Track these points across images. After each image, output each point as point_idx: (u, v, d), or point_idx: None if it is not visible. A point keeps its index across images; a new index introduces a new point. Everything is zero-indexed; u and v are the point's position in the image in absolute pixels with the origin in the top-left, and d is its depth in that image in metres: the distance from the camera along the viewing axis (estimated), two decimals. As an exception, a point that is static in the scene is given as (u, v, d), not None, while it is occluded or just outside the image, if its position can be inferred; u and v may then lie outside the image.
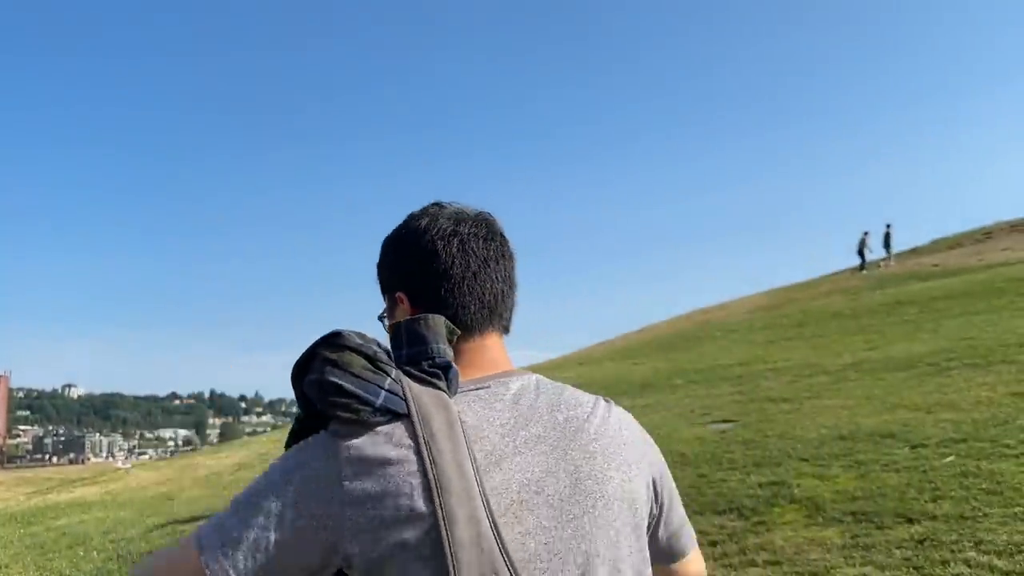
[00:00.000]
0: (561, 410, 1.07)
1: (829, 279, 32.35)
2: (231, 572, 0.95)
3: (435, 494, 0.92)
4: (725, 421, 9.68)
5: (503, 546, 0.93)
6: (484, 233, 1.15)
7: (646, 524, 1.13)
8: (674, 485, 1.24)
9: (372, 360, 0.99)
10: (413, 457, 0.94)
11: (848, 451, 7.05)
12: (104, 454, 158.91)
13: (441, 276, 1.10)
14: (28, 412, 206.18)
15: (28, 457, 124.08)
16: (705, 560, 4.64)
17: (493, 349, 1.13)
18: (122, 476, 21.87)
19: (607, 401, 1.18)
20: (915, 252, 33.63)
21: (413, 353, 1.02)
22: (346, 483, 0.95)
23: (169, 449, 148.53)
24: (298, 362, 1.02)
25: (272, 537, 0.96)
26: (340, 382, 0.96)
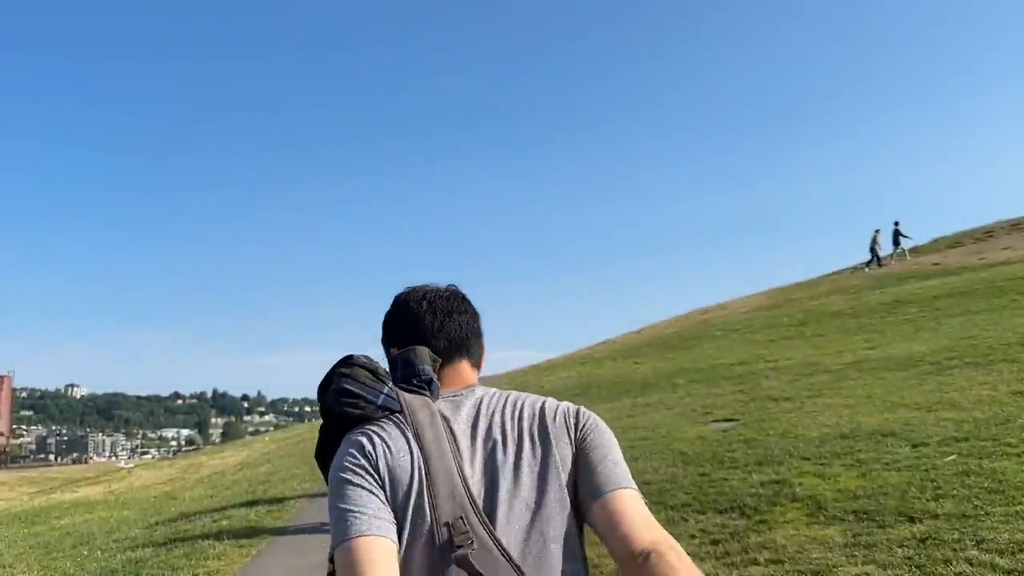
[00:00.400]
0: (513, 403, 1.49)
1: (829, 279, 32.33)
2: (358, 528, 1.29)
3: (418, 464, 1.34)
4: (727, 420, 9.70)
5: (470, 493, 1.34)
6: (447, 295, 1.62)
7: (569, 480, 1.42)
8: (608, 452, 1.45)
9: (374, 373, 1.43)
10: (405, 438, 1.37)
11: (849, 450, 7.07)
12: (107, 454, 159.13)
13: (417, 327, 1.55)
14: (31, 412, 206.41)
15: (32, 457, 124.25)
16: (707, 559, 4.62)
17: (464, 372, 1.56)
18: (125, 476, 21.91)
19: (551, 399, 1.55)
20: (915, 251, 33.56)
21: (406, 374, 1.46)
22: (377, 461, 1.35)
23: (172, 449, 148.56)
24: (321, 382, 1.45)
25: (369, 498, 1.33)
26: (350, 387, 1.40)
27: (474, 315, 1.65)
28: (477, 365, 1.62)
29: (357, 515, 1.30)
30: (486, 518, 1.33)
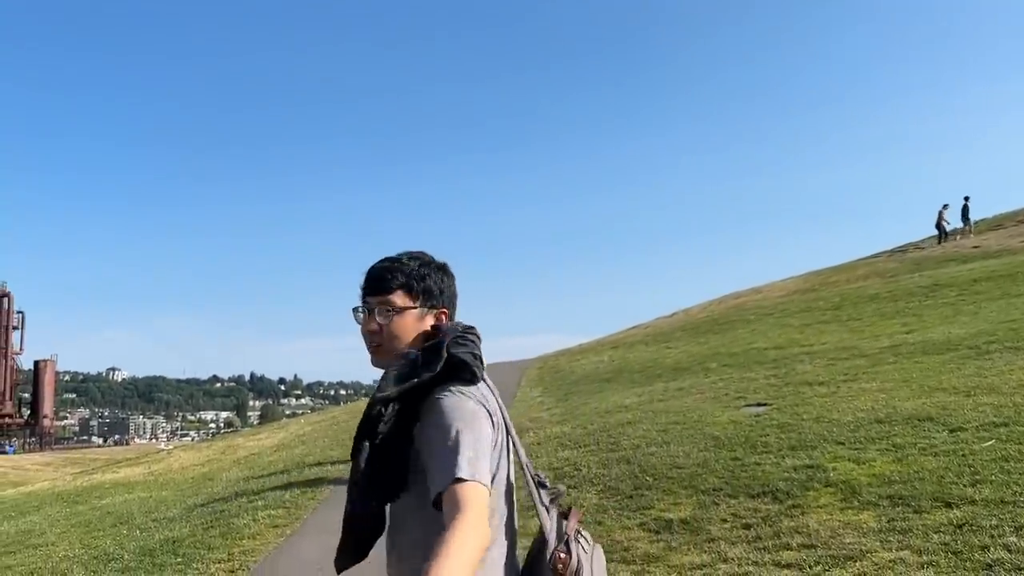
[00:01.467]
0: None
1: (866, 262, 31.86)
2: (487, 479, 1.61)
3: (503, 418, 1.79)
4: (759, 404, 9.62)
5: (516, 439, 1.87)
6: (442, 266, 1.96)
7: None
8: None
9: (468, 346, 1.78)
10: (495, 402, 1.78)
11: (885, 435, 6.97)
12: (148, 436, 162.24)
13: (454, 298, 1.91)
14: (74, 395, 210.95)
15: (75, 439, 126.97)
16: (739, 543, 4.62)
17: None
18: (164, 457, 22.34)
19: None
20: (954, 233, 32.93)
21: (474, 351, 1.79)
22: (493, 419, 1.72)
23: (211, 431, 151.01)
24: (455, 342, 1.75)
25: (490, 442, 1.69)
26: (479, 353, 1.77)
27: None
28: None
29: (484, 459, 1.63)
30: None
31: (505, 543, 1.78)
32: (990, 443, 6.15)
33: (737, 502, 6.01)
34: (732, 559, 4.96)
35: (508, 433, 1.80)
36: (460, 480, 1.56)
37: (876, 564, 4.51)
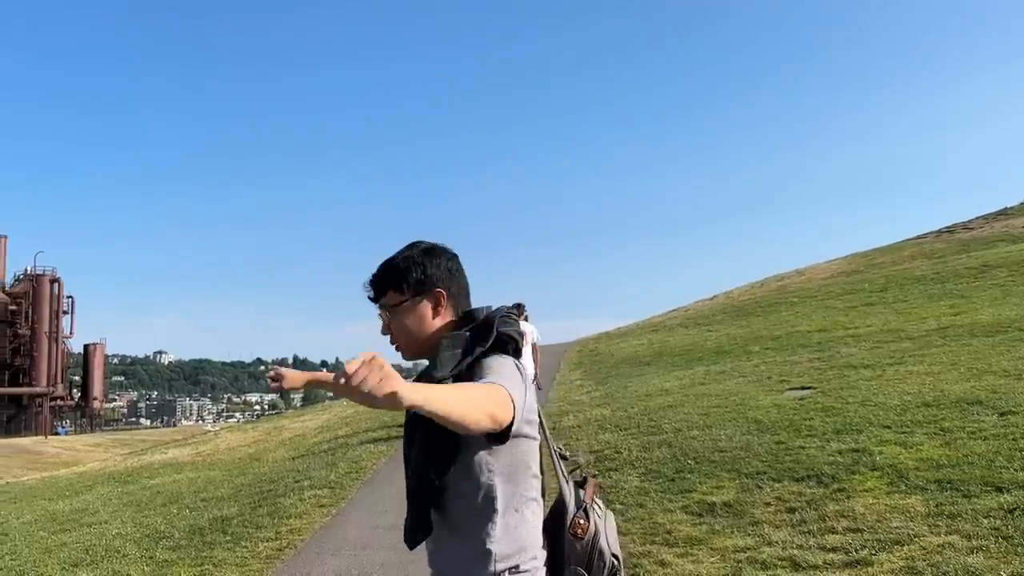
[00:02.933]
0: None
1: (913, 243, 31.23)
2: (520, 402, 1.69)
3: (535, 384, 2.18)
4: (803, 388, 9.52)
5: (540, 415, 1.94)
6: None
7: None
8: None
9: (511, 319, 1.93)
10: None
11: (933, 418, 6.86)
12: (194, 417, 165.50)
13: (467, 288, 2.02)
14: (123, 378, 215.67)
15: (123, 420, 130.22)
16: (783, 527, 4.58)
17: None
18: (211, 438, 22.79)
19: None
20: (1004, 214, 32.10)
21: (511, 331, 1.91)
22: (528, 380, 1.82)
23: (255, 412, 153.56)
24: (500, 314, 1.91)
25: (525, 391, 1.77)
26: (517, 332, 1.90)
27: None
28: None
29: (521, 398, 1.74)
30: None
31: (541, 503, 1.90)
32: (1042, 427, 6.02)
33: (781, 486, 5.96)
34: (776, 543, 4.93)
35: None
36: (499, 385, 1.69)
37: (924, 549, 4.45)
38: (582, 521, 1.84)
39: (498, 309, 1.95)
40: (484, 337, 1.84)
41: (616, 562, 1.86)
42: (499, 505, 1.79)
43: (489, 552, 1.77)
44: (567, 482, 1.95)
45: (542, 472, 1.91)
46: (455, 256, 2.03)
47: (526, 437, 1.82)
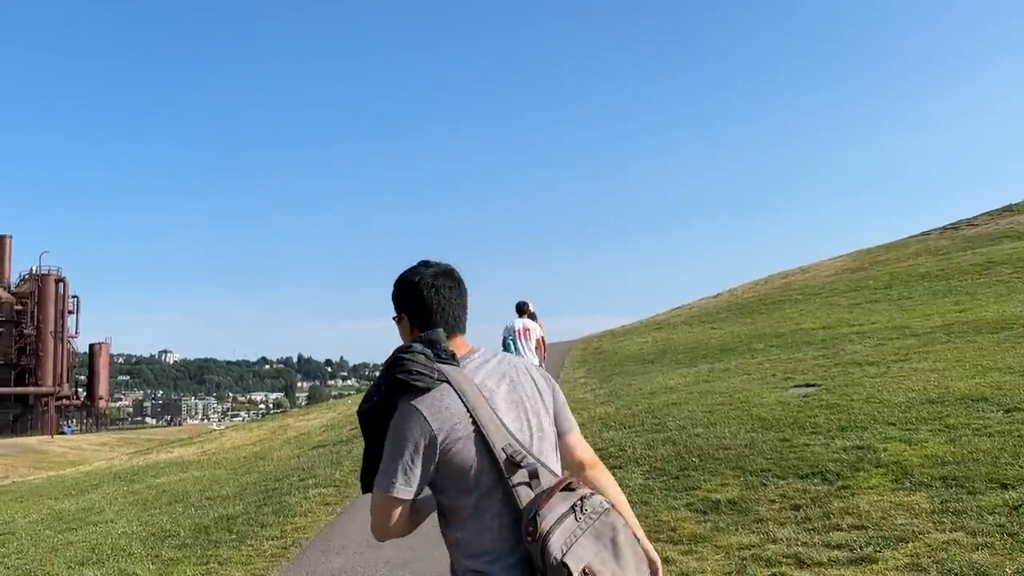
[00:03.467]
0: (501, 358, 2.18)
1: (917, 239, 31.13)
2: (400, 487, 1.97)
3: (471, 413, 1.96)
4: (808, 385, 9.51)
5: (506, 426, 1.99)
6: (449, 282, 2.20)
7: (552, 410, 2.17)
8: (564, 399, 2.25)
9: (427, 356, 2.01)
10: (457, 399, 1.98)
11: (937, 415, 6.86)
12: (199, 416, 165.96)
13: (428, 310, 2.16)
14: (128, 377, 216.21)
15: (129, 420, 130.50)
16: (787, 524, 4.60)
17: (460, 345, 2.15)
18: (217, 437, 22.84)
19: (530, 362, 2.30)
20: (1009, 210, 31.94)
21: (435, 351, 2.04)
22: (431, 421, 1.96)
23: (260, 411, 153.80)
24: (387, 361, 2.04)
25: (412, 462, 1.98)
26: (415, 368, 1.99)
27: (465, 293, 2.26)
28: (463, 332, 2.23)
29: (400, 472, 1.98)
30: (522, 443, 2.01)
31: (476, 524, 2.00)
32: (1048, 424, 6.02)
33: (786, 483, 5.96)
34: (781, 540, 4.94)
35: (475, 422, 1.98)
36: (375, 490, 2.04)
37: (929, 545, 4.45)
38: (531, 528, 1.88)
39: (417, 339, 2.11)
40: (381, 383, 2.06)
41: (566, 569, 1.82)
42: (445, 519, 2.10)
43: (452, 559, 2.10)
44: (522, 488, 1.96)
45: (495, 484, 1.99)
46: (438, 274, 2.20)
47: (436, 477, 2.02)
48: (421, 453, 1.96)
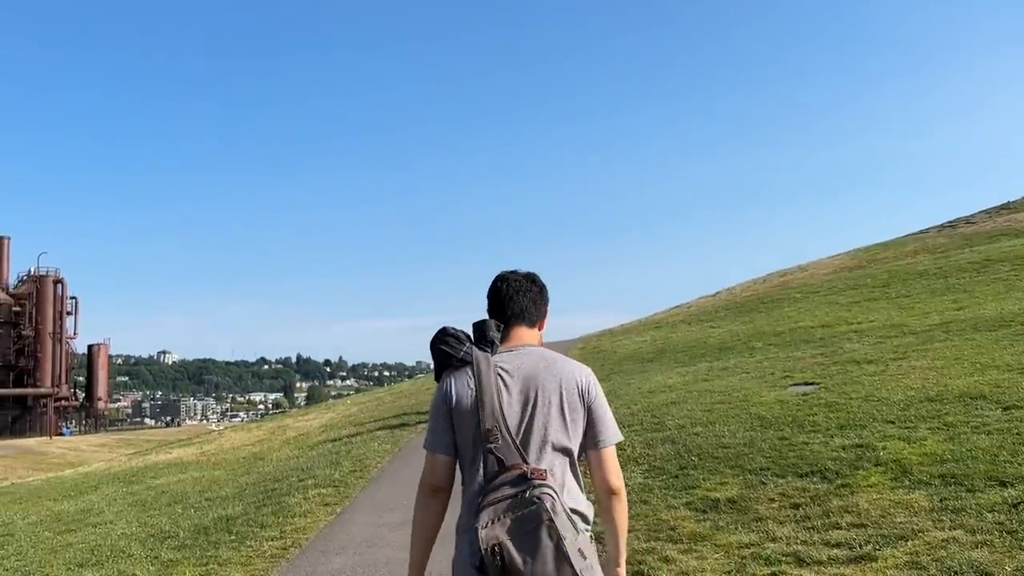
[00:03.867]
0: (544, 358, 2.36)
1: (915, 237, 31.17)
2: (430, 443, 2.36)
3: (478, 392, 2.26)
4: (807, 383, 9.52)
5: (503, 413, 2.24)
6: (520, 278, 2.53)
7: (578, 422, 2.33)
8: (604, 401, 2.39)
9: (457, 339, 2.36)
10: (470, 377, 2.29)
11: (936, 413, 6.86)
12: (198, 417, 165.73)
13: (497, 302, 2.49)
14: (127, 378, 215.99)
15: (128, 420, 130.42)
16: (787, 522, 4.60)
17: (520, 334, 2.46)
18: (216, 437, 22.82)
19: (575, 361, 2.43)
20: (1007, 208, 31.99)
21: (477, 337, 2.38)
22: (450, 392, 2.33)
23: (259, 411, 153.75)
24: (431, 342, 2.39)
25: (440, 423, 2.36)
26: (443, 348, 2.35)
27: (539, 292, 2.54)
28: (535, 326, 2.52)
29: (433, 433, 2.38)
30: (509, 428, 2.24)
31: (470, 486, 2.31)
32: (1046, 421, 6.02)
33: (785, 481, 5.97)
34: (780, 538, 4.94)
35: (479, 400, 2.26)
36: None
37: (928, 543, 4.46)
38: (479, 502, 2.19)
39: (475, 324, 2.48)
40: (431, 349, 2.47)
41: (478, 540, 2.06)
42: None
43: None
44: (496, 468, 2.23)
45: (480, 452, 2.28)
46: (508, 275, 2.55)
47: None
48: (442, 418, 2.35)
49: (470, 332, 2.38)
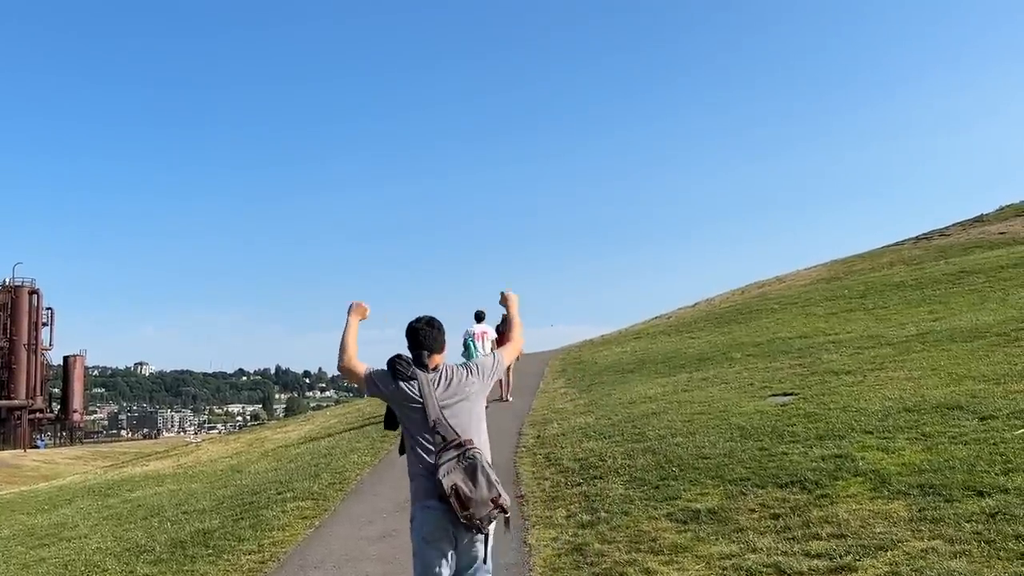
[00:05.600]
0: (452, 370, 3.87)
1: (891, 249, 31.51)
2: (373, 379, 3.92)
3: (421, 394, 3.75)
4: (786, 394, 9.57)
5: (439, 409, 3.72)
6: (428, 326, 3.92)
7: (483, 391, 3.95)
8: (489, 364, 4.01)
9: (407, 362, 3.85)
10: (417, 385, 3.76)
11: (914, 423, 6.92)
12: (176, 429, 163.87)
13: (416, 340, 3.89)
14: (103, 390, 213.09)
15: (104, 432, 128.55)
16: (767, 533, 4.59)
17: (435, 359, 3.88)
18: (193, 450, 22.59)
19: (469, 363, 4.01)
20: (980, 221, 32.40)
21: (416, 363, 3.87)
22: (392, 385, 3.84)
23: (238, 423, 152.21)
24: (388, 361, 3.89)
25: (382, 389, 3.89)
26: (398, 367, 3.85)
27: (439, 331, 3.94)
28: (440, 352, 3.92)
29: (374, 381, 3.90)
30: (445, 417, 3.68)
31: (412, 455, 3.80)
32: (1022, 431, 6.08)
33: (765, 492, 5.98)
34: (761, 549, 4.95)
35: (424, 403, 3.74)
36: None
37: (908, 554, 4.48)
38: (433, 465, 3.67)
39: (413, 353, 3.94)
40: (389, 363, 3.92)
41: (441, 485, 3.57)
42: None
43: None
44: (442, 442, 3.69)
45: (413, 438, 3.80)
46: (421, 322, 3.98)
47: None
48: (379, 388, 3.88)
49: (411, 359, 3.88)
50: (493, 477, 3.62)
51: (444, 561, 3.66)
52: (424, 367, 3.79)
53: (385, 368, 3.84)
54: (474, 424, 3.77)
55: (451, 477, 3.53)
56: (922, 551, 4.48)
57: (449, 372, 3.84)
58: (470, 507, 3.53)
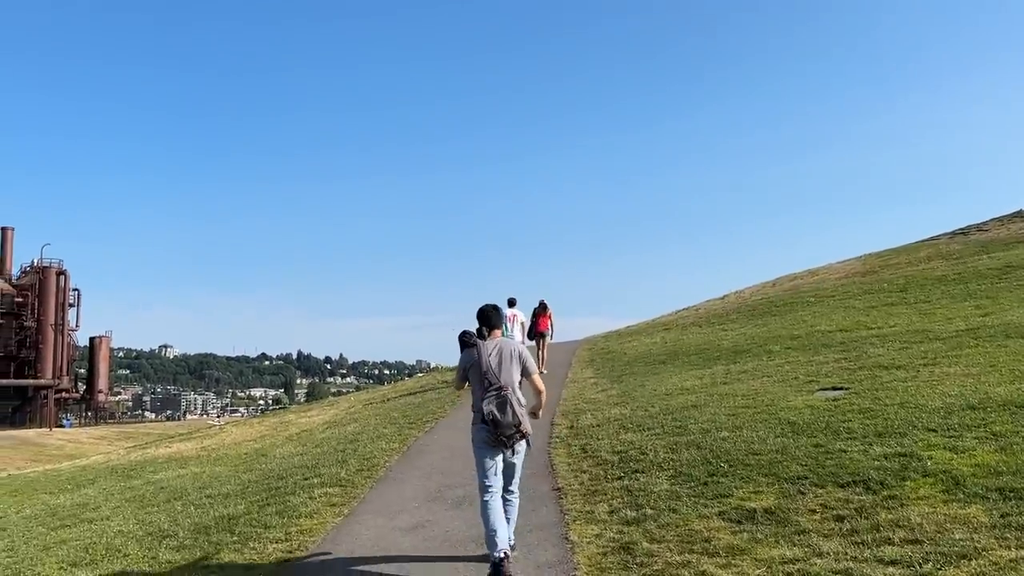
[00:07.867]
0: (504, 342, 5.78)
1: (927, 244, 30.75)
2: (457, 381, 6.14)
3: (479, 357, 5.64)
4: (834, 388, 9.14)
5: (490, 365, 5.60)
6: (492, 309, 5.93)
7: (518, 367, 5.66)
8: (528, 355, 5.76)
9: (470, 335, 6.03)
10: (476, 350, 5.72)
11: (982, 422, 6.49)
12: (199, 411, 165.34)
13: (485, 319, 5.88)
14: (128, 371, 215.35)
15: (128, 414, 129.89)
16: (832, 536, 4.18)
17: (495, 333, 5.84)
18: (217, 432, 22.45)
19: (515, 342, 6.06)
20: (1020, 216, 31.53)
21: (479, 333, 5.96)
22: (467, 358, 5.85)
23: (260, 407, 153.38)
24: (459, 335, 6.26)
25: (460, 373, 6.01)
26: (465, 338, 6.10)
27: (500, 313, 5.92)
28: (499, 328, 5.83)
29: (457, 378, 5.95)
30: (492, 370, 5.51)
31: (475, 397, 5.56)
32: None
33: (825, 492, 5.60)
34: (828, 554, 4.57)
35: (480, 360, 5.52)
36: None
37: (995, 563, 4.09)
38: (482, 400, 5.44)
39: (478, 329, 5.86)
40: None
41: (482, 412, 5.40)
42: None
43: None
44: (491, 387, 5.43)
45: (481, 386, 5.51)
46: (487, 307, 5.86)
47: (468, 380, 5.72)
48: (461, 369, 5.73)
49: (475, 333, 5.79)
50: (520, 411, 5.33)
51: (491, 461, 5.38)
52: (483, 337, 5.68)
53: (459, 344, 5.90)
54: (513, 379, 5.47)
55: (489, 407, 5.29)
56: (1011, 561, 4.10)
57: (500, 344, 5.63)
58: (499, 428, 5.27)
